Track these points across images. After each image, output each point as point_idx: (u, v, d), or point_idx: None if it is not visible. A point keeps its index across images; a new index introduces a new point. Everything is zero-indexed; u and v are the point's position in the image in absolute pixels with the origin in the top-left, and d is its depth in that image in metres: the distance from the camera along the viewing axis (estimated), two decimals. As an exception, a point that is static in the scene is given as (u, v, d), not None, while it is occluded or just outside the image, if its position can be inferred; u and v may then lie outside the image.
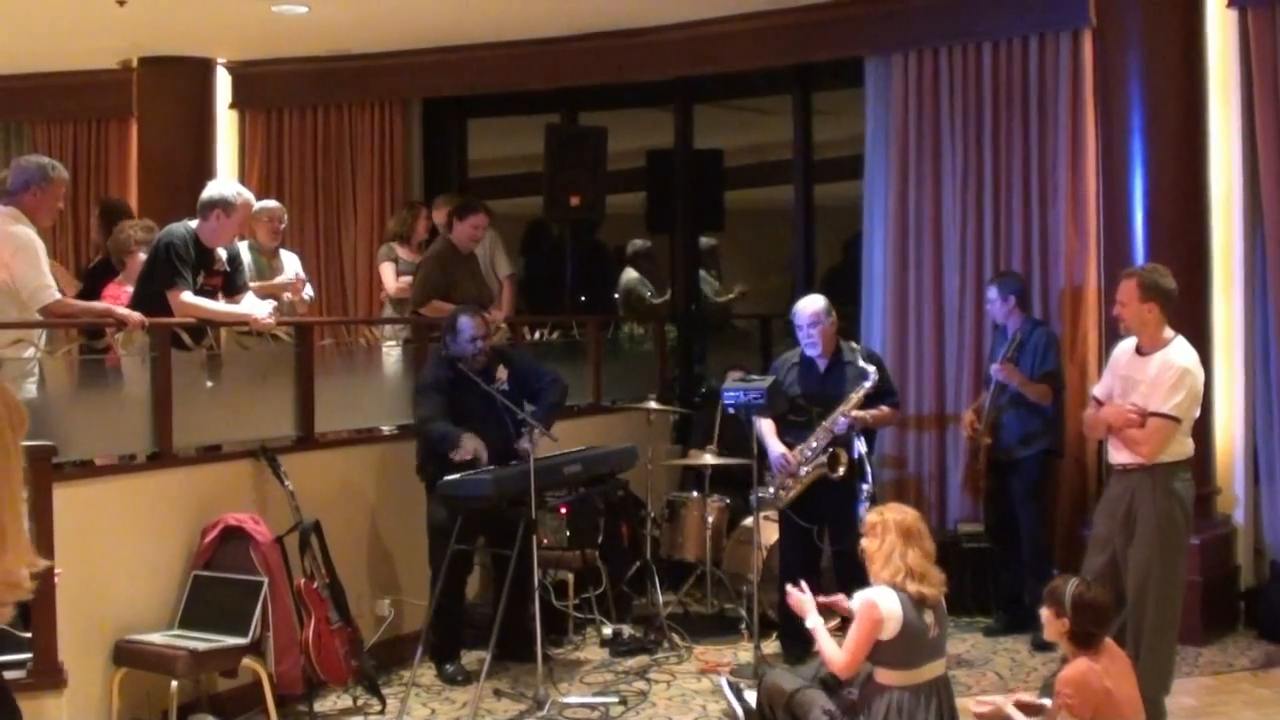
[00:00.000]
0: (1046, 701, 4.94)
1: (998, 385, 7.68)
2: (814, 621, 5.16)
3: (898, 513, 5.09)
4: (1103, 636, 4.82)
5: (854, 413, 6.97)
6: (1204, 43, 7.84)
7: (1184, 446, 5.91)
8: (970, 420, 7.90)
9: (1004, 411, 7.68)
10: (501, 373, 7.15)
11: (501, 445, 6.87)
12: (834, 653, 4.99)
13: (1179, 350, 5.88)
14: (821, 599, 5.35)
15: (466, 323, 7.08)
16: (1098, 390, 6.24)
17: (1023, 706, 4.97)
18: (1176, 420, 5.80)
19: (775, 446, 7.12)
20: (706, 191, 10.47)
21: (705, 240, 10.78)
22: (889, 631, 4.85)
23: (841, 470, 6.91)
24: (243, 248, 7.41)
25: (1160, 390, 5.80)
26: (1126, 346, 6.06)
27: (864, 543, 5.04)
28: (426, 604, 7.03)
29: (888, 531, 4.98)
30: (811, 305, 7.19)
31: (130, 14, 8.74)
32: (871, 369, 7.04)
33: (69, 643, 5.13)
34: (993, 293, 7.80)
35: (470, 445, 6.75)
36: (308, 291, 7.97)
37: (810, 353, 7.19)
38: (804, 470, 7.01)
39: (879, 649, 4.90)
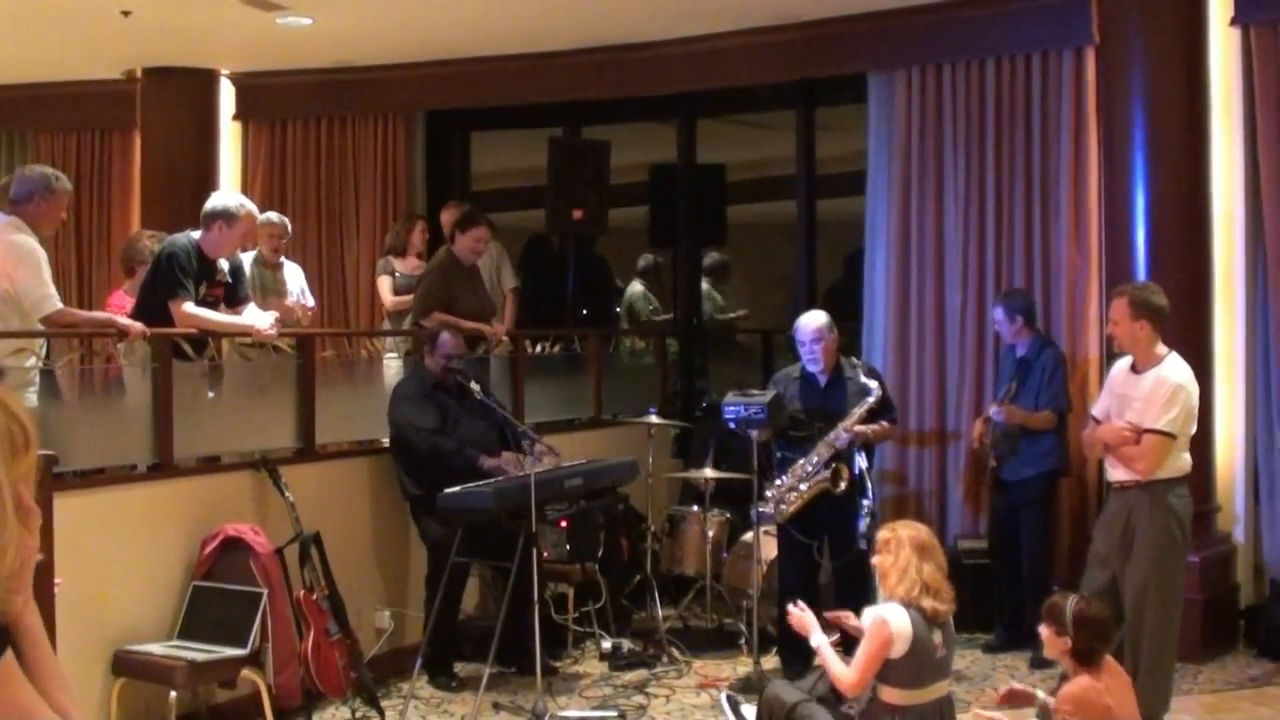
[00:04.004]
0: (1040, 693, 4.94)
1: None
2: (819, 640, 5.13)
3: (910, 528, 5.07)
4: (1104, 653, 4.81)
5: (855, 428, 6.97)
6: (1206, 60, 7.85)
7: (1181, 463, 5.92)
8: (979, 433, 7.90)
9: (1009, 431, 7.67)
10: (475, 387, 7.12)
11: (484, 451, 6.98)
12: (842, 671, 4.97)
13: (1172, 367, 5.89)
14: (829, 614, 5.35)
15: (446, 339, 7.20)
16: (1096, 410, 6.26)
17: (1015, 695, 4.97)
18: (1171, 436, 5.81)
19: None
20: (709, 206, 10.48)
21: (714, 256, 10.79)
22: (898, 650, 4.83)
23: (843, 485, 6.90)
24: (246, 259, 7.42)
25: (1154, 407, 5.81)
26: (1123, 365, 6.09)
27: (876, 560, 5.02)
28: (424, 617, 7.02)
29: (901, 547, 4.95)
30: (814, 321, 7.19)
31: (134, 24, 8.79)
32: (873, 384, 7.05)
33: (68, 652, 5.10)
34: (999, 313, 7.78)
35: (490, 465, 6.83)
36: (309, 301, 7.98)
37: (811, 368, 7.19)
38: (804, 485, 7.00)
39: (887, 667, 4.87)
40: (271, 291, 7.74)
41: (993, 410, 7.65)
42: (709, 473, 8.10)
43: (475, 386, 7.05)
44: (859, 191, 9.16)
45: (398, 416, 7.18)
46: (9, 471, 1.83)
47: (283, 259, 8.13)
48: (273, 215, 8.11)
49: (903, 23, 8.79)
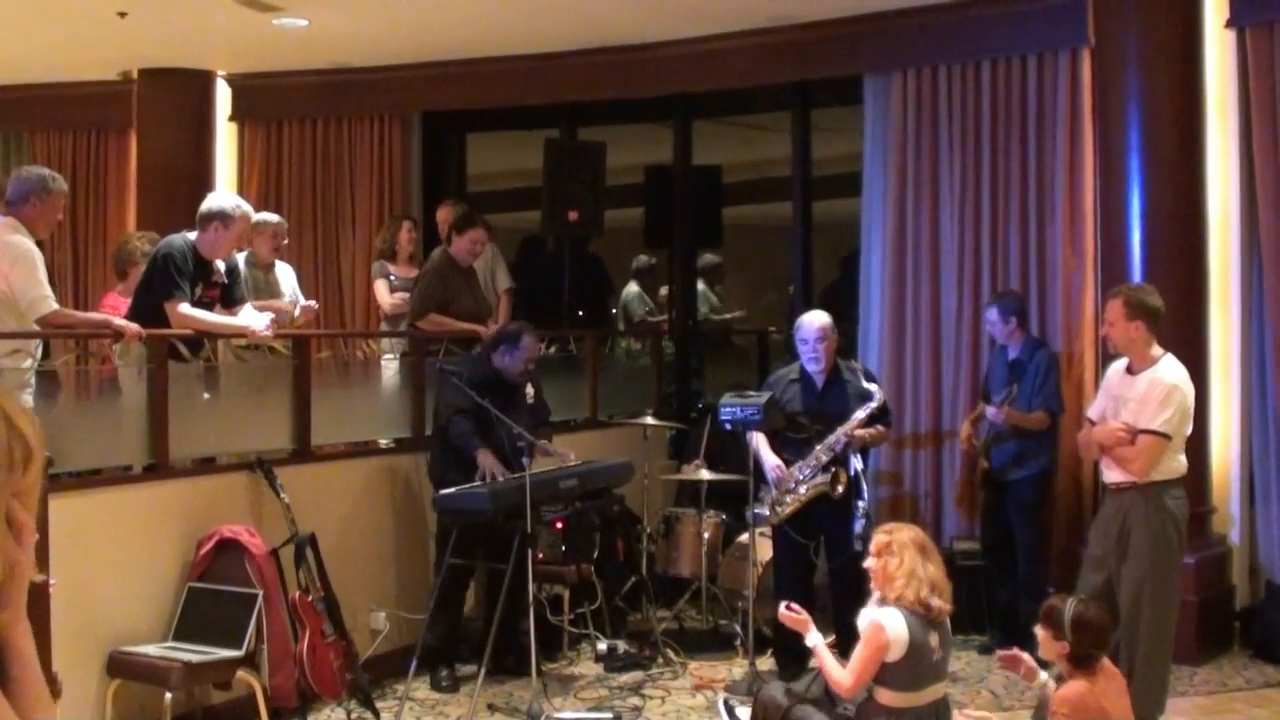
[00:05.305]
0: (1045, 675, 4.92)
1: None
2: (814, 639, 5.13)
3: (908, 530, 5.07)
4: (1101, 658, 4.80)
5: (855, 432, 6.98)
6: (1202, 62, 7.85)
7: (1176, 464, 5.92)
8: (968, 433, 7.91)
9: (1000, 432, 7.68)
10: (529, 390, 7.21)
11: (504, 457, 6.92)
12: (838, 673, 4.97)
13: (1167, 368, 5.90)
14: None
15: (530, 342, 7.24)
16: (1092, 411, 6.26)
17: (1018, 660, 4.96)
18: (1166, 437, 5.81)
19: (770, 459, 7.11)
20: (705, 207, 10.48)
21: (710, 257, 10.79)
22: (895, 654, 4.83)
23: (841, 489, 6.90)
24: (239, 260, 7.41)
25: (1149, 408, 5.82)
26: (1118, 366, 6.09)
27: (876, 563, 4.99)
28: (421, 617, 7.02)
29: (905, 549, 4.94)
30: (818, 320, 7.20)
31: (131, 25, 8.79)
32: (875, 388, 7.06)
33: (63, 653, 5.12)
34: (993, 314, 7.79)
35: (486, 463, 6.80)
36: (302, 300, 7.98)
37: (812, 368, 7.18)
38: (803, 489, 7.00)
39: (883, 670, 4.88)
40: (264, 292, 7.73)
41: (991, 411, 7.65)
42: (704, 474, 8.10)
43: (530, 391, 7.10)
44: (855, 193, 9.17)
45: (438, 398, 7.27)
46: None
47: (275, 260, 8.12)
48: (270, 215, 8.10)
49: (898, 24, 8.79)
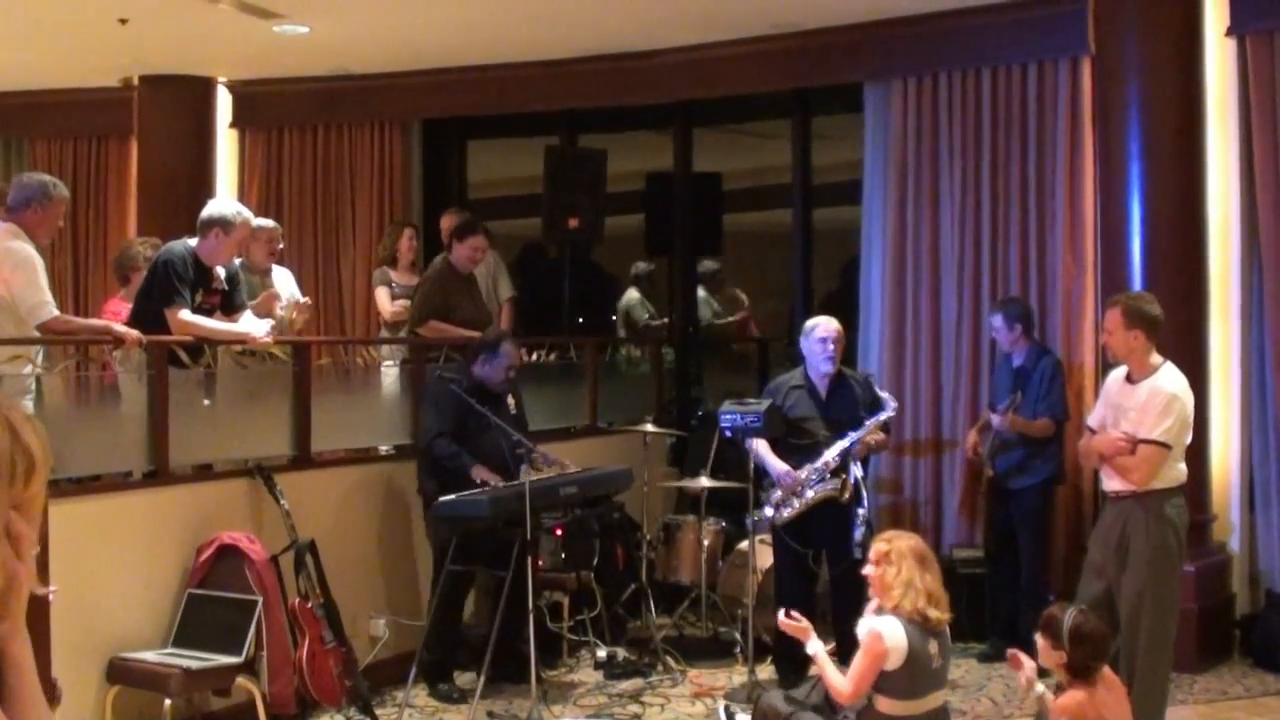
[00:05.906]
0: (1041, 687, 4.90)
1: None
2: (814, 647, 5.12)
3: (908, 539, 5.06)
4: (1099, 669, 4.79)
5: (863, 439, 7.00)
6: (1202, 70, 7.85)
7: (1176, 473, 5.91)
8: (974, 442, 7.90)
9: (1006, 440, 7.68)
10: (511, 401, 7.22)
11: (496, 466, 6.91)
12: (838, 681, 4.96)
13: (1167, 377, 5.89)
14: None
15: (509, 349, 7.22)
16: (1092, 419, 6.25)
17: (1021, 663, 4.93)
18: (1166, 446, 5.80)
19: (777, 464, 7.10)
20: (705, 215, 10.48)
21: (709, 264, 10.79)
22: (894, 662, 4.82)
23: (848, 495, 6.89)
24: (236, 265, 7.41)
25: (1149, 417, 5.81)
26: (1118, 375, 6.08)
27: (874, 571, 4.99)
28: (421, 624, 7.02)
29: (903, 558, 4.94)
30: (834, 322, 7.24)
31: (132, 32, 8.80)
32: (888, 396, 7.09)
33: (62, 660, 5.11)
34: (998, 320, 7.78)
35: (481, 476, 6.80)
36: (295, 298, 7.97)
37: (827, 369, 7.14)
38: (811, 492, 6.99)
39: (883, 678, 4.87)
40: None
41: (995, 419, 7.65)
42: (704, 481, 8.09)
43: (511, 402, 7.11)
44: (855, 200, 9.17)
45: (422, 414, 7.28)
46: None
47: (272, 265, 8.11)
48: (266, 221, 8.08)
49: (899, 32, 8.80)
